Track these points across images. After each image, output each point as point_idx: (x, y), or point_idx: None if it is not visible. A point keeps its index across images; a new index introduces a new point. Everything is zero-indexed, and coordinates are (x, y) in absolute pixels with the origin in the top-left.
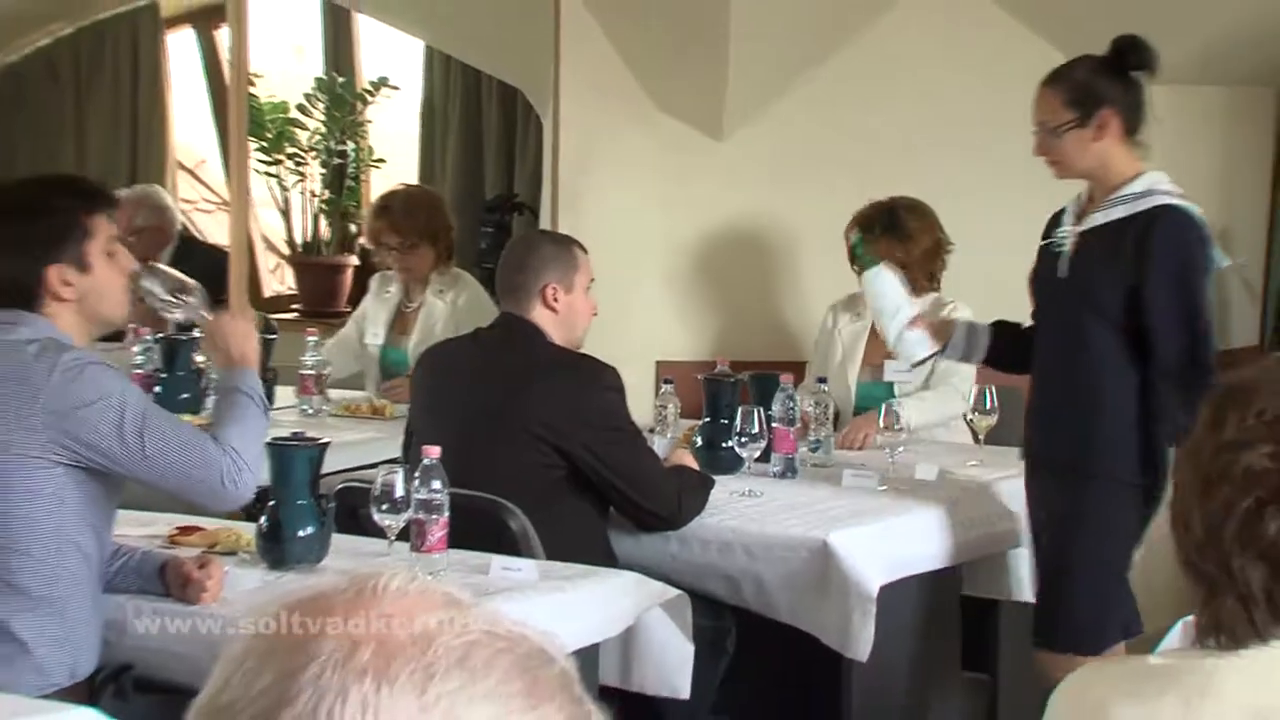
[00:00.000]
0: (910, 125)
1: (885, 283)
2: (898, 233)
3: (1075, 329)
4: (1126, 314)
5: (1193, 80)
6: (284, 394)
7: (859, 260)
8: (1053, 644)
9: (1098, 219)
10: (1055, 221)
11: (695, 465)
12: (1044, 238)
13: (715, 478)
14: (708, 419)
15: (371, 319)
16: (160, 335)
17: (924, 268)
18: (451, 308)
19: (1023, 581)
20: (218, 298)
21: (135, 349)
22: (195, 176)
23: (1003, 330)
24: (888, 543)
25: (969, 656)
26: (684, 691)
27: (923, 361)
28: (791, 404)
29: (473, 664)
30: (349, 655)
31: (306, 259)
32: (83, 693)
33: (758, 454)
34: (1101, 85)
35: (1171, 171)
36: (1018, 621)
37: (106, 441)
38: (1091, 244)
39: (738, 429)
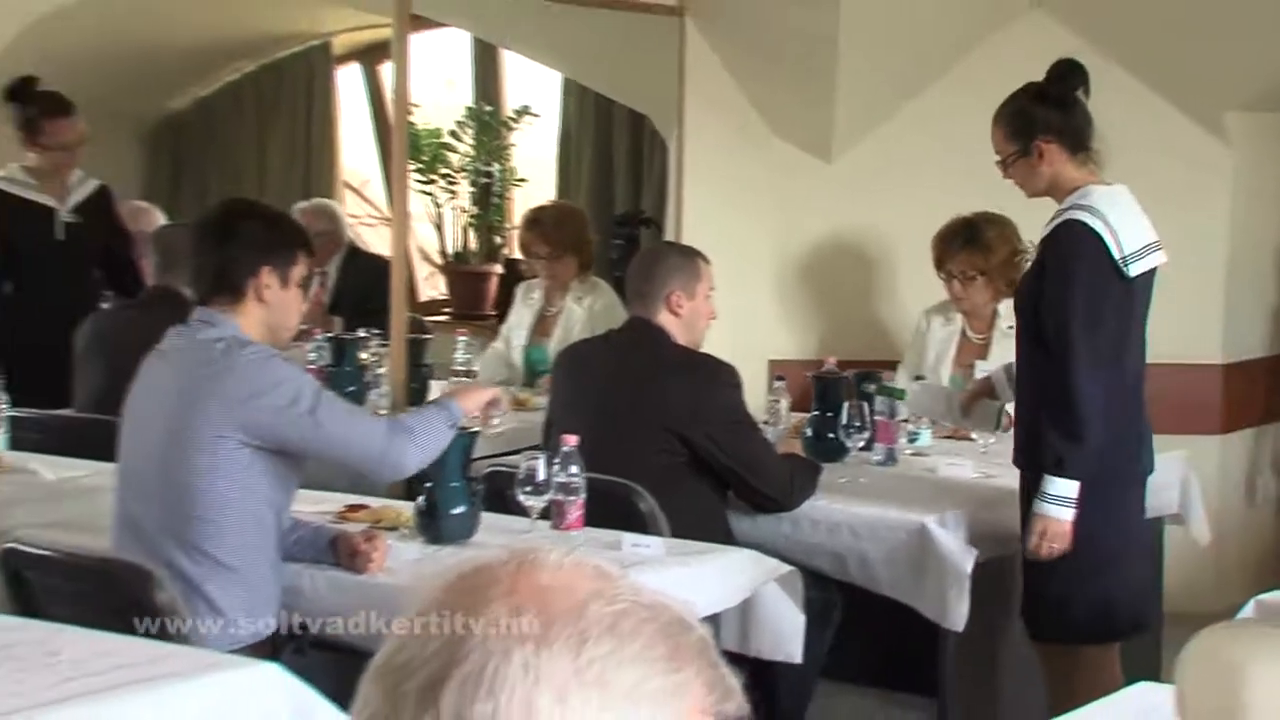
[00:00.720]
0: None
1: (926, 398)
2: (977, 244)
3: (1025, 339)
4: (1042, 324)
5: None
6: (436, 388)
7: (883, 392)
8: (1063, 637)
9: (1044, 233)
10: None
11: (803, 454)
12: None
13: (823, 465)
14: (816, 412)
15: (516, 322)
16: (330, 335)
17: (1003, 275)
18: (588, 312)
19: None
20: (381, 301)
21: (309, 347)
22: (360, 195)
23: None
24: (983, 524)
25: None
26: (796, 657)
27: (998, 419)
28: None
29: (621, 631)
30: (513, 619)
31: (456, 267)
32: (265, 649)
33: (862, 444)
34: (1036, 115)
35: (1252, 195)
36: None
37: (284, 418)
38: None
39: (844, 421)
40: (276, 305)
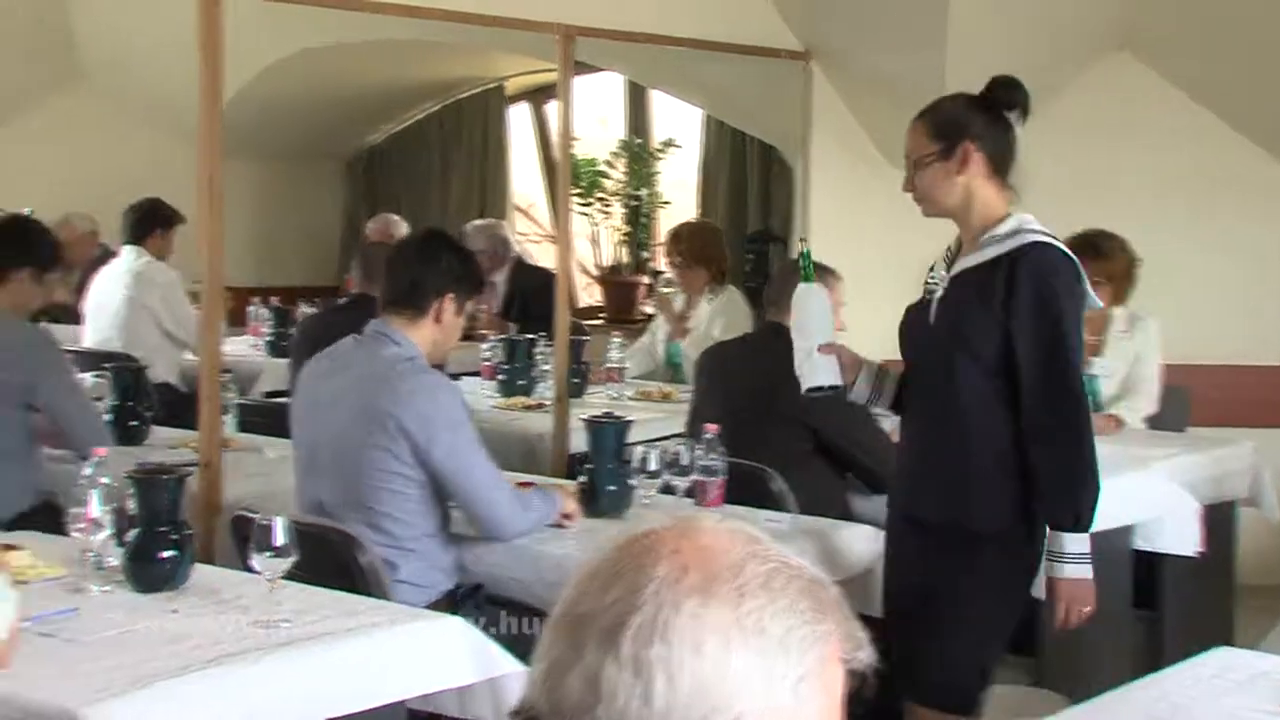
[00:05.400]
0: (1106, 165)
1: (813, 302)
2: (1100, 254)
3: (947, 377)
4: (999, 356)
5: None
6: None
7: (801, 272)
8: (926, 700)
9: (970, 261)
10: (931, 271)
11: None
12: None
13: None
14: None
15: (659, 324)
16: (503, 337)
17: (1121, 283)
18: (718, 317)
19: (1182, 539)
20: (544, 307)
21: (484, 346)
22: (528, 215)
23: (907, 381)
24: None
25: (1139, 597)
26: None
27: (817, 390)
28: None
29: (773, 586)
30: (680, 576)
31: (610, 278)
32: (446, 606)
33: None
34: (966, 118)
35: None
36: (1178, 570)
37: (433, 457)
38: (962, 288)
39: None
40: (448, 328)
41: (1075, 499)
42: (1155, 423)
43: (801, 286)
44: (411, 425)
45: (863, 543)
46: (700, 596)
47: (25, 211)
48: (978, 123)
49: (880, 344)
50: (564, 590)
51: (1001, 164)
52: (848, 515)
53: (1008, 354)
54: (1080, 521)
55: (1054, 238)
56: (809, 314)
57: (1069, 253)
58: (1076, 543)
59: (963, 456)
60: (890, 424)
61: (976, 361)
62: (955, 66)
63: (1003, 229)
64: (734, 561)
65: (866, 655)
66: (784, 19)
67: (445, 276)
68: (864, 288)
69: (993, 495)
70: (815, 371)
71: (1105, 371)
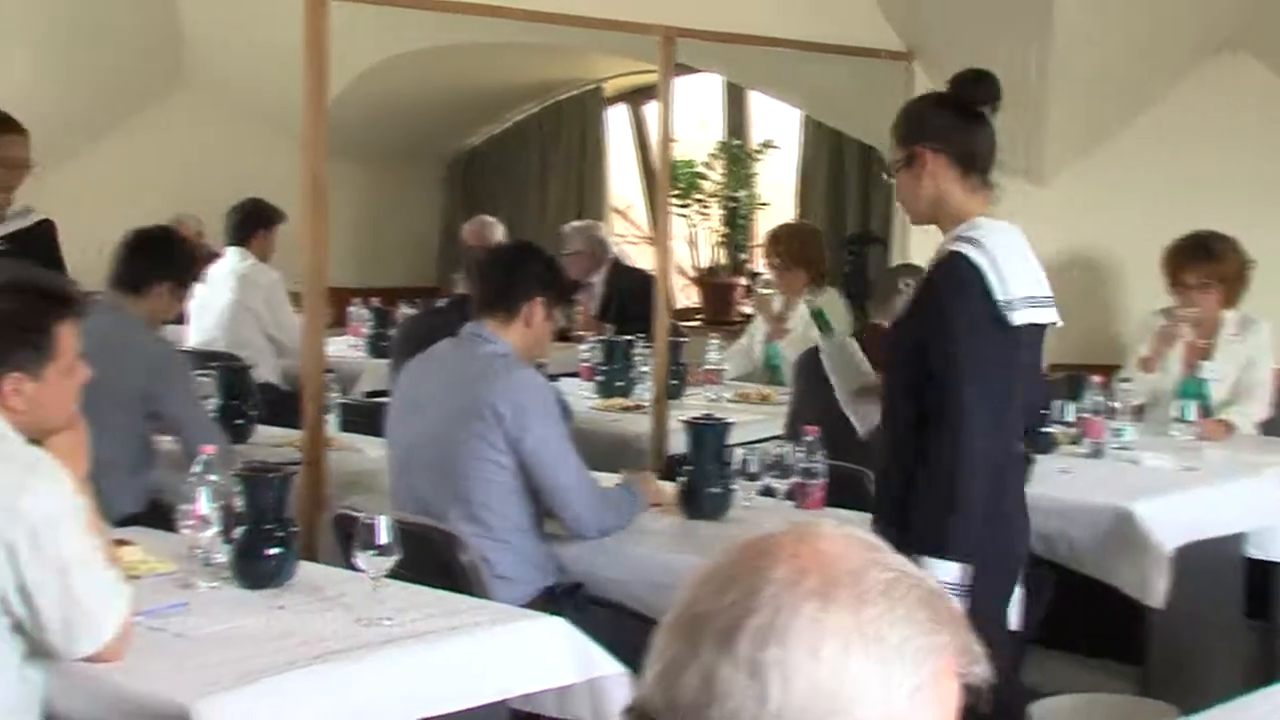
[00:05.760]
0: (1215, 166)
1: (839, 354)
2: (1211, 255)
3: (888, 397)
4: (916, 375)
5: None
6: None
7: (820, 325)
8: None
9: (928, 269)
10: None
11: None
12: None
13: (1036, 457)
14: None
15: (758, 325)
16: (601, 338)
17: (1232, 285)
18: (805, 321)
19: None
20: (641, 309)
21: (582, 348)
22: (625, 217)
23: None
24: (1183, 512)
25: (1251, 606)
26: (1013, 624)
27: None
28: (1099, 398)
29: (893, 595)
30: (798, 580)
31: (707, 280)
32: (544, 604)
33: (1071, 439)
34: (925, 120)
35: None
36: None
37: (524, 446)
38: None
39: (1055, 418)
40: (538, 331)
41: (940, 526)
42: (1268, 428)
43: (822, 342)
44: (505, 410)
45: None
46: (819, 600)
47: (169, 223)
48: (937, 125)
49: None
50: (680, 591)
51: (971, 163)
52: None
53: (926, 373)
54: (946, 549)
55: (980, 245)
56: (838, 365)
57: (980, 264)
58: (945, 571)
59: (900, 482)
60: None
61: (898, 382)
62: (1060, 66)
63: (950, 234)
64: (854, 568)
65: (982, 670)
66: (886, 19)
67: (535, 281)
68: None
69: (924, 522)
70: (867, 415)
71: (1216, 375)
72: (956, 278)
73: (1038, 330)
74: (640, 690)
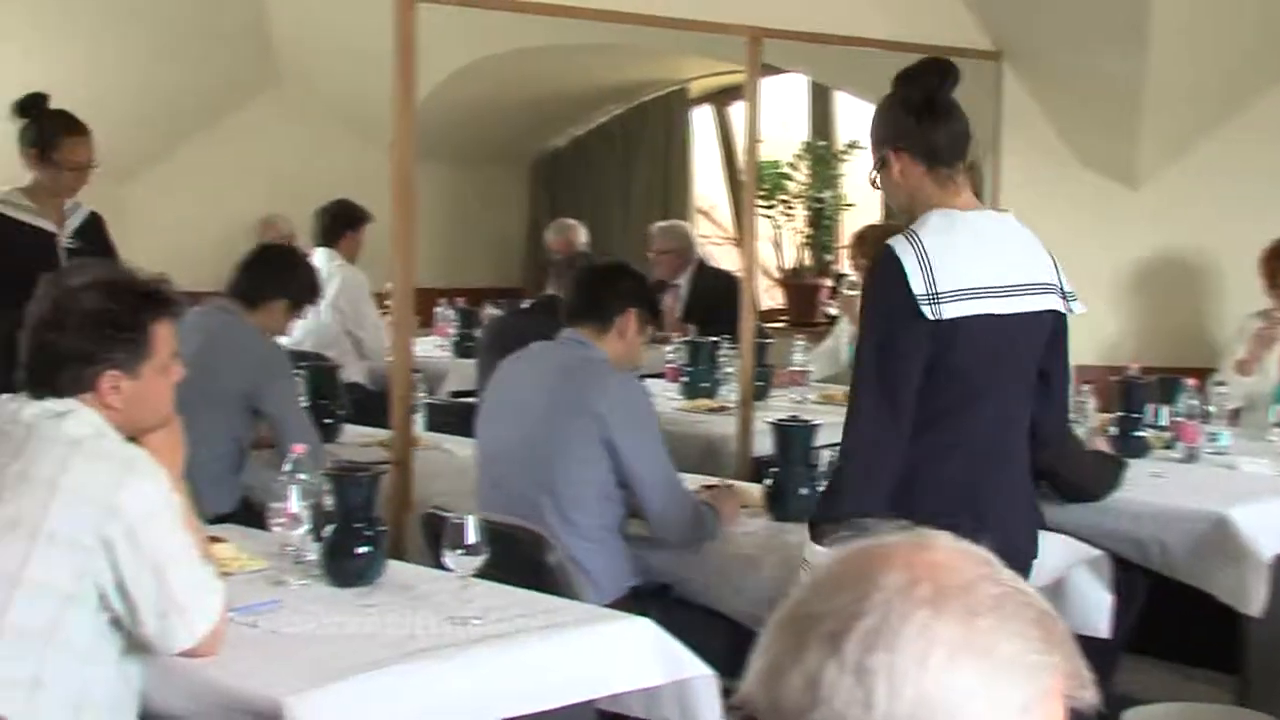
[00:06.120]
0: None
1: None
2: None
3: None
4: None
5: None
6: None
7: None
8: None
9: None
10: None
11: (1111, 451)
12: None
13: (1128, 461)
14: (1122, 413)
15: (843, 327)
16: (686, 339)
17: None
18: None
19: None
20: (725, 310)
21: (668, 349)
22: (709, 218)
23: None
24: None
25: None
26: (1104, 632)
27: None
28: (1193, 402)
29: (1005, 610)
30: (910, 587)
31: (792, 281)
32: (629, 606)
33: (1164, 443)
34: (884, 123)
35: None
36: None
37: (620, 448)
38: None
39: (1148, 422)
40: (630, 343)
41: (823, 510)
42: None
43: None
44: (603, 409)
45: (1057, 552)
46: (930, 609)
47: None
48: (895, 126)
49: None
50: (792, 591)
51: (935, 156)
52: (1040, 524)
53: None
54: (814, 532)
55: (914, 238)
56: None
57: (902, 257)
58: (816, 555)
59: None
60: (1083, 433)
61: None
62: (1156, 67)
63: None
64: (967, 580)
65: (1090, 696)
66: (975, 18)
67: (629, 295)
68: None
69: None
70: None
71: None
72: (876, 271)
73: (1028, 320)
74: (744, 687)
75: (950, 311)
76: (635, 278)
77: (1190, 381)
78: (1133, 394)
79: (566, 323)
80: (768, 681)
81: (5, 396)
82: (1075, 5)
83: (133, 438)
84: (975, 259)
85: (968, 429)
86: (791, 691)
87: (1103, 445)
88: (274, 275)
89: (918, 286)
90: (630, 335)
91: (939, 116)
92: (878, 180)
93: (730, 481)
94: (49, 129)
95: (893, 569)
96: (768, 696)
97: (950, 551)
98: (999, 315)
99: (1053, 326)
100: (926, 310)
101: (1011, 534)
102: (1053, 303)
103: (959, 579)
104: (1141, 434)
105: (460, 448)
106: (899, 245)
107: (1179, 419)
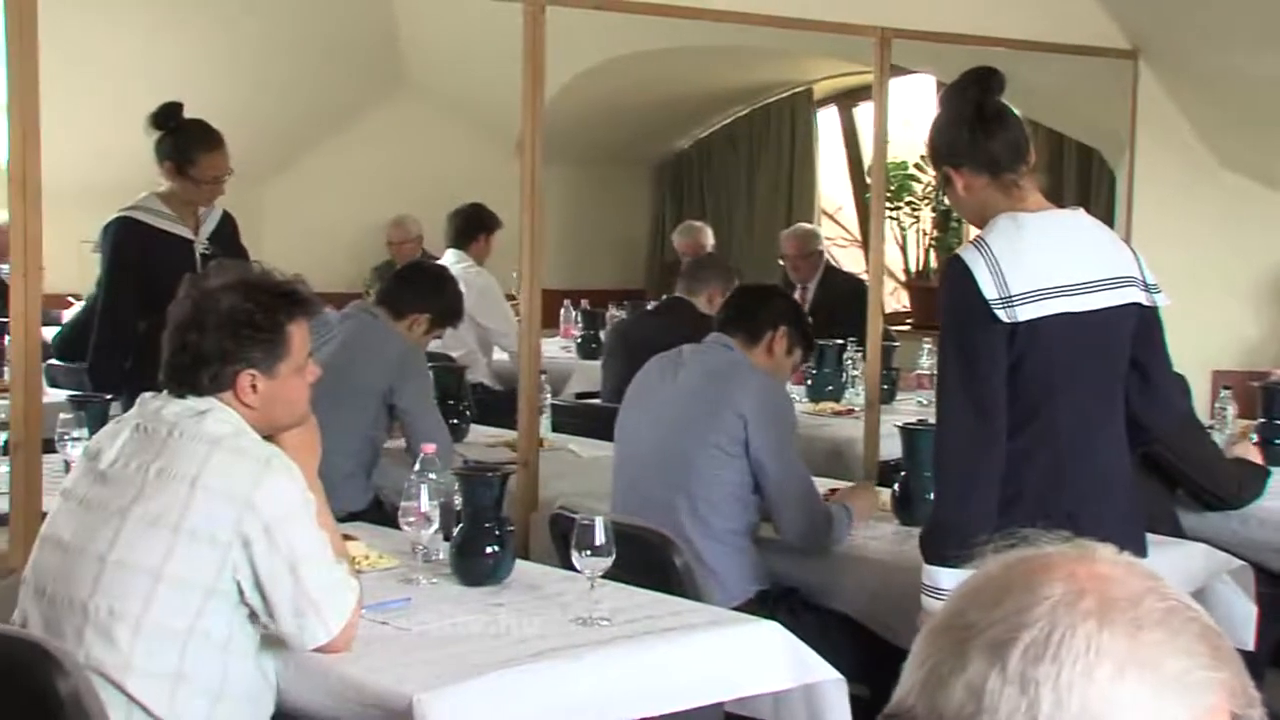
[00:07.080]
0: None
1: None
2: None
3: None
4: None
5: None
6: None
7: None
8: None
9: None
10: None
11: (1258, 458)
12: None
13: (1271, 469)
14: (1264, 419)
15: None
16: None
17: None
18: None
19: None
20: (850, 313)
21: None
22: (834, 220)
23: None
24: None
25: None
26: (1248, 644)
27: None
28: None
29: (1172, 625)
30: (1076, 599)
31: (918, 283)
32: (756, 609)
33: None
34: (939, 142)
35: None
36: None
37: (757, 449)
38: None
39: None
40: (778, 361)
41: (928, 530)
42: None
43: None
44: (745, 409)
45: (1198, 562)
46: (1096, 621)
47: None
48: (951, 144)
49: (1217, 350)
50: (948, 600)
51: (996, 167)
52: (1178, 532)
53: None
54: (925, 553)
55: (983, 245)
56: None
57: (972, 264)
58: (926, 575)
59: None
60: (1222, 439)
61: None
62: None
63: None
64: (1133, 593)
65: (1257, 715)
66: (1110, 16)
67: (782, 315)
68: (1194, 293)
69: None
70: None
71: None
72: (947, 280)
73: (1109, 316)
74: (899, 696)
75: (1026, 313)
76: (790, 301)
77: None
78: (1274, 400)
79: (717, 328)
80: (928, 691)
81: (148, 395)
82: (1218, 4)
83: (270, 436)
84: (1047, 259)
85: (1049, 430)
86: (953, 701)
87: (1248, 452)
88: (424, 290)
89: (990, 291)
90: (779, 354)
91: (991, 126)
92: (945, 194)
93: (866, 485)
94: (185, 144)
95: (1055, 580)
96: (927, 705)
97: (1114, 564)
98: (1076, 313)
99: (1139, 318)
100: (1001, 314)
101: (1108, 532)
102: (1134, 295)
103: (1125, 591)
104: None
105: (585, 449)
106: (968, 254)
107: None
